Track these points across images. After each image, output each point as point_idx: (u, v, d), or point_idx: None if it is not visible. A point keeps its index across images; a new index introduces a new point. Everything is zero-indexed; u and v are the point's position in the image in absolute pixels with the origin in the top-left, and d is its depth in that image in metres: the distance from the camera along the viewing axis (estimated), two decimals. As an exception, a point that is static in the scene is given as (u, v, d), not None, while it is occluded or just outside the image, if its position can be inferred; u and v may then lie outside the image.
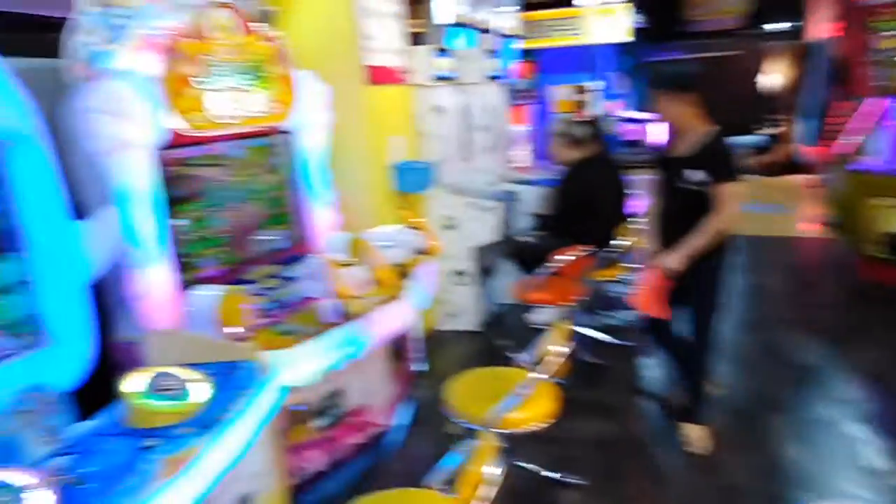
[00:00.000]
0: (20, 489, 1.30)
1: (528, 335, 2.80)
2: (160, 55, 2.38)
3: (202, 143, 2.60)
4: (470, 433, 2.00)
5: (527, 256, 4.10)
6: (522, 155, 6.45)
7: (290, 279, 2.72)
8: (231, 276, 2.62)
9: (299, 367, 2.18)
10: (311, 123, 3.06)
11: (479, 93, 5.28)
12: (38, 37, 2.41)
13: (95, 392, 1.78)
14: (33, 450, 1.58)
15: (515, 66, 6.32)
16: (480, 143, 5.29)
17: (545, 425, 2.32)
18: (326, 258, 2.66)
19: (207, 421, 1.67)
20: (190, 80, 2.51)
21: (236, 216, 2.79)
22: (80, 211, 2.21)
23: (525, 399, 2.18)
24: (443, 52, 4.67)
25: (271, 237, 2.94)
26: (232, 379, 1.88)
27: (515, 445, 2.41)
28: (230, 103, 2.66)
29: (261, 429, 1.82)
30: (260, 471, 1.90)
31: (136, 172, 2.28)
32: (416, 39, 4.66)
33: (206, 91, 2.56)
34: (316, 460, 2.40)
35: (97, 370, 1.93)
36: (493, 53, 5.61)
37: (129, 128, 2.24)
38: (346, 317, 2.45)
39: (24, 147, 1.79)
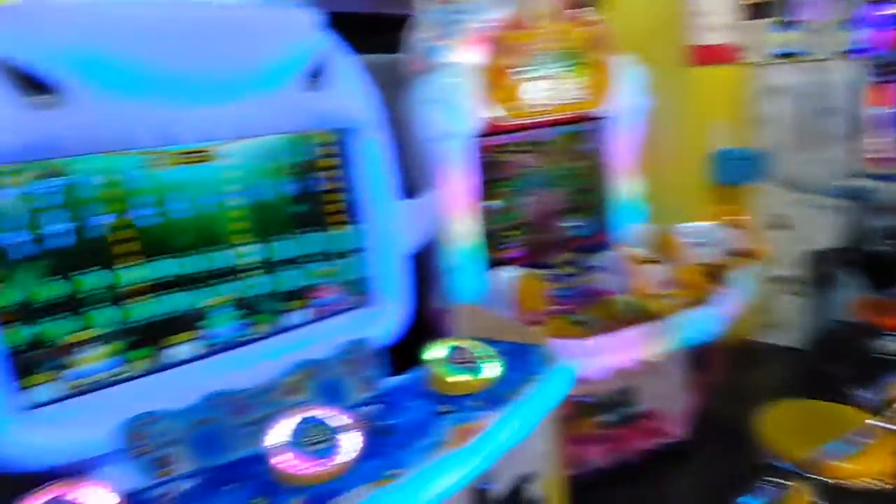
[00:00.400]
0: (335, 429, 1.52)
1: (872, 367, 2.35)
2: (485, 47, 2.53)
3: (516, 130, 2.71)
4: (780, 472, 1.74)
5: (880, 269, 3.42)
6: (881, 144, 5.38)
7: (588, 269, 2.69)
8: (532, 259, 2.69)
9: (588, 359, 2.15)
10: (627, 109, 2.97)
11: (827, 70, 4.53)
12: (386, 34, 2.75)
13: (408, 352, 1.98)
14: (351, 395, 1.84)
15: (879, 35, 5.27)
16: (826, 129, 4.55)
17: (885, 485, 1.87)
18: (628, 251, 2.57)
19: (496, 397, 1.74)
20: (509, 70, 2.63)
21: (543, 201, 2.85)
22: (410, 191, 2.49)
23: (863, 448, 1.83)
24: (786, 24, 4.12)
25: (575, 224, 2.95)
26: (522, 360, 1.94)
27: (839, 501, 2.00)
28: (545, 91, 2.71)
29: (544, 413, 1.84)
30: (540, 454, 1.93)
31: (453, 159, 2.48)
32: (757, 12, 4.17)
33: (523, 80, 2.66)
34: (597, 455, 2.36)
35: (411, 332, 2.15)
36: (848, 23, 4.76)
37: (453, 117, 2.44)
38: (644, 315, 2.34)
39: (365, 134, 2.06)
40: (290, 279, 1.95)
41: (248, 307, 1.87)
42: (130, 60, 1.50)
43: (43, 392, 1.53)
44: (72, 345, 1.56)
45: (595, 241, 2.95)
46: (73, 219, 1.54)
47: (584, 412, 2.27)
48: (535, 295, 2.36)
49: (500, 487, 1.79)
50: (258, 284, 1.88)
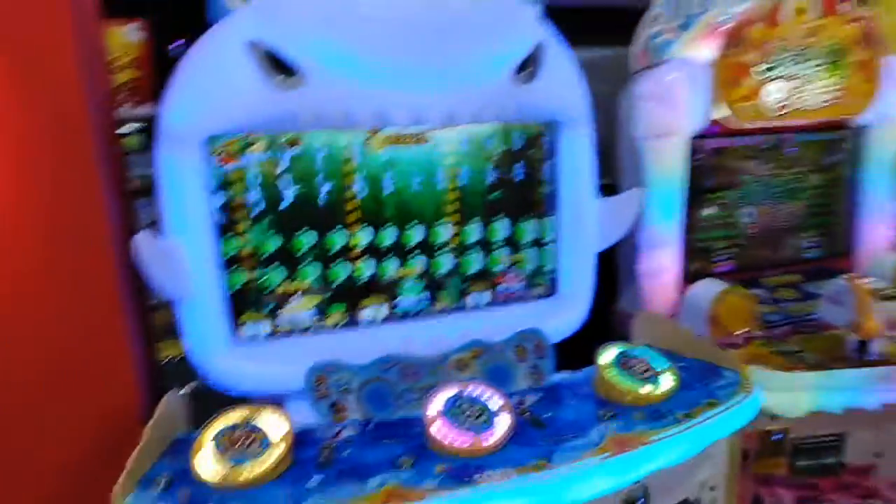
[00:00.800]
0: (491, 409, 1.55)
1: None
2: (722, 42, 2.35)
3: (747, 133, 2.48)
4: None
5: None
6: None
7: (810, 295, 2.38)
8: (743, 276, 2.46)
9: (789, 395, 1.91)
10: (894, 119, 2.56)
11: None
12: (613, 26, 2.68)
13: (582, 349, 1.94)
14: (516, 381, 1.85)
15: None
16: None
17: None
18: (861, 281, 2.21)
19: (663, 413, 1.64)
20: (750, 67, 2.41)
21: (766, 214, 2.58)
22: (612, 187, 2.43)
23: None
24: None
25: (805, 244, 2.62)
26: (703, 381, 1.79)
27: None
28: (791, 93, 2.44)
29: (717, 440, 1.69)
30: (710, 483, 1.78)
31: (668, 159, 2.35)
32: None
33: (765, 79, 2.43)
34: (786, 501, 2.09)
35: (588, 330, 2.11)
36: None
37: (671, 115, 2.31)
38: (870, 358, 2.01)
39: (572, 128, 2.04)
40: (478, 262, 2.02)
41: (436, 283, 1.98)
42: (361, 49, 1.65)
43: (252, 329, 1.79)
44: (282, 293, 1.80)
45: (825, 266, 2.59)
46: (300, 185, 1.76)
47: (778, 451, 2.03)
48: (738, 314, 2.16)
49: (658, 508, 1.69)
50: (449, 263, 1.98)
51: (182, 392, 1.72)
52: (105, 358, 1.57)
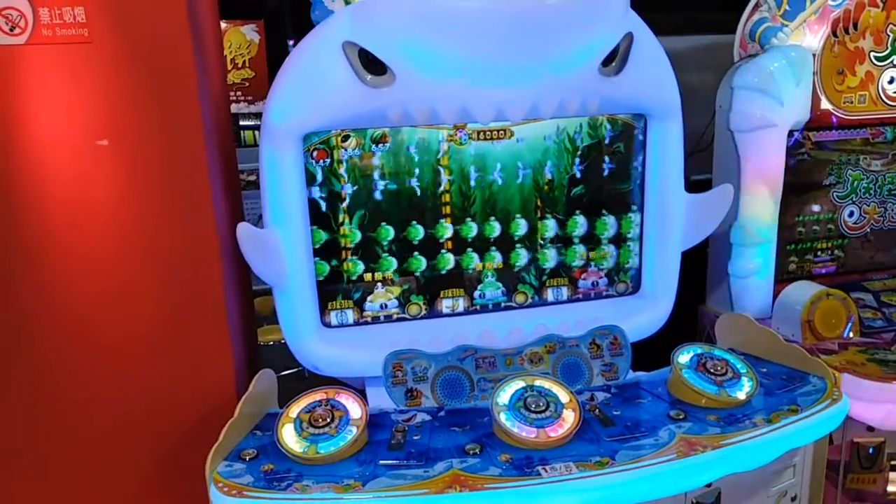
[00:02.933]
0: (558, 403, 1.59)
1: None
2: (831, 29, 2.22)
3: (857, 126, 2.33)
4: None
5: None
6: None
7: (921, 301, 2.21)
8: (845, 279, 2.32)
9: (882, 407, 1.80)
10: None
11: None
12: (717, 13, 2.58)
13: (663, 348, 1.92)
14: (588, 378, 1.87)
15: None
16: None
17: None
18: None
19: (739, 418, 1.60)
20: (863, 55, 2.26)
21: (875, 213, 2.41)
22: (704, 183, 2.35)
23: None
24: None
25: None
26: (786, 387, 1.73)
27: None
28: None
29: (797, 449, 1.63)
30: (787, 492, 1.72)
31: (767, 153, 2.25)
32: None
33: (881, 68, 2.27)
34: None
35: (670, 329, 2.07)
36: None
37: (770, 107, 2.21)
38: None
39: (662, 121, 2.00)
40: (560, 256, 2.04)
41: (514, 276, 2.02)
42: (447, 47, 1.70)
43: (338, 316, 1.91)
44: (367, 283, 1.91)
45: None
46: (388, 179, 1.86)
47: (872, 465, 1.92)
48: (834, 319, 2.05)
49: (733, 514, 1.66)
50: (531, 257, 2.02)
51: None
52: (206, 339, 1.74)
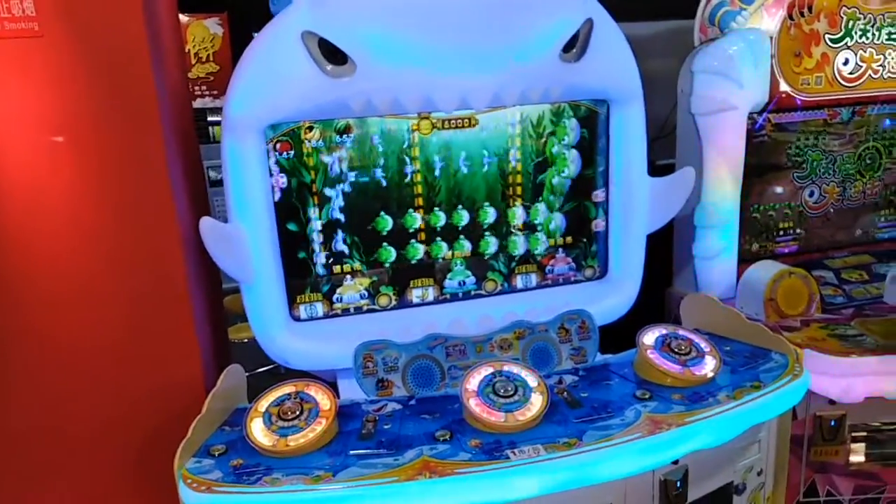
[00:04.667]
0: (526, 387, 1.60)
1: None
2: (788, 12, 2.25)
3: (814, 107, 2.37)
4: None
5: None
6: None
7: (880, 278, 2.27)
8: (807, 258, 2.37)
9: (843, 381, 1.85)
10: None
11: None
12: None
13: (630, 331, 1.95)
14: (557, 362, 1.89)
15: None
16: None
17: None
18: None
19: (703, 395, 1.64)
20: (819, 37, 2.30)
21: (837, 193, 2.47)
22: (665, 167, 2.38)
23: None
24: None
25: (878, 223, 2.49)
26: (749, 364, 1.77)
27: None
28: (862, 63, 2.32)
29: (762, 425, 1.67)
30: (753, 467, 1.76)
31: (728, 135, 2.29)
32: None
33: (836, 49, 2.31)
34: (841, 488, 2.03)
35: (636, 312, 2.10)
36: None
37: (729, 89, 2.24)
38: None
39: (624, 107, 2.02)
40: (525, 244, 2.06)
41: (483, 264, 2.03)
42: (407, 35, 1.70)
43: (307, 310, 1.90)
44: (336, 275, 1.91)
45: (901, 247, 2.46)
46: (353, 171, 1.84)
47: (835, 439, 1.96)
48: (796, 297, 2.09)
49: (702, 489, 1.69)
50: (497, 245, 2.02)
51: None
52: (172, 336, 1.72)
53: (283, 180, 1.80)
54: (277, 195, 1.79)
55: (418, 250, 1.96)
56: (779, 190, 2.42)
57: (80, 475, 1.72)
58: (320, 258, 1.88)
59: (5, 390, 1.64)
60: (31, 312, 1.63)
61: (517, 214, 2.02)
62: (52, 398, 1.67)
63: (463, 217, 1.97)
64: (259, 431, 1.50)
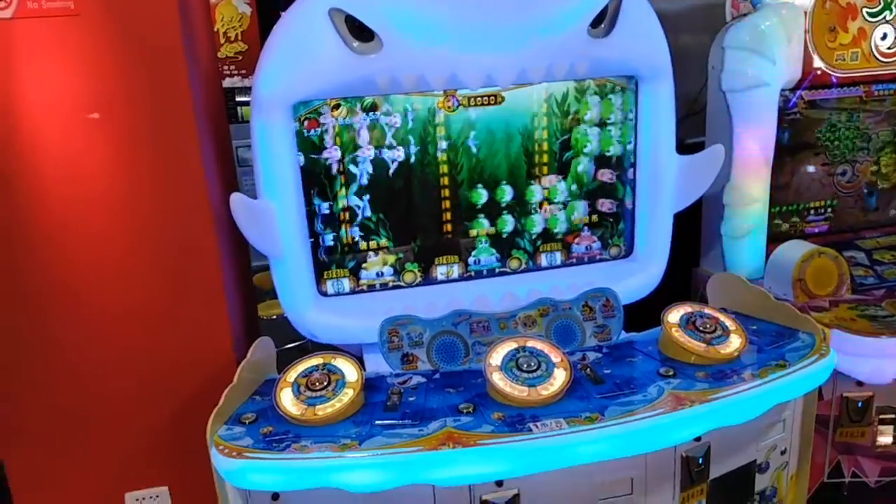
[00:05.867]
0: (549, 363, 1.62)
1: None
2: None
3: (849, 84, 2.32)
4: None
5: None
6: None
7: (914, 258, 2.23)
8: (838, 238, 2.33)
9: (871, 362, 1.83)
10: None
11: None
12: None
13: (656, 309, 1.95)
14: (581, 339, 1.89)
15: None
16: None
17: None
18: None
19: (727, 373, 1.63)
20: (858, 10, 2.25)
21: (871, 173, 2.42)
22: (695, 144, 2.35)
23: None
24: None
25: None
26: (776, 344, 1.75)
27: None
28: (898, 39, 2.26)
29: (786, 404, 1.66)
30: (778, 447, 1.75)
31: (758, 113, 2.25)
32: None
33: (874, 24, 2.26)
34: (868, 469, 2.01)
35: (663, 290, 2.09)
36: None
37: (762, 66, 2.20)
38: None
39: (652, 83, 2.00)
40: (550, 221, 2.06)
41: (509, 242, 2.04)
42: (433, 11, 1.71)
43: (335, 285, 1.94)
44: (363, 251, 1.93)
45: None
46: (380, 148, 1.86)
47: (862, 420, 1.95)
48: (825, 277, 2.07)
49: (724, 466, 1.70)
50: (521, 222, 2.03)
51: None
52: (203, 308, 1.77)
53: (310, 157, 1.82)
54: (304, 172, 1.82)
55: (444, 228, 1.98)
56: (811, 169, 2.38)
57: (113, 443, 1.79)
58: (347, 234, 1.91)
59: (41, 360, 1.71)
60: (67, 287, 1.68)
61: (541, 192, 2.02)
62: (85, 368, 1.74)
63: (482, 196, 1.97)
64: (288, 401, 1.54)
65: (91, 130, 1.61)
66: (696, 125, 2.55)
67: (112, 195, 1.66)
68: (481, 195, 1.98)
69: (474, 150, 1.93)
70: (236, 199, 1.70)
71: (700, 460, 1.61)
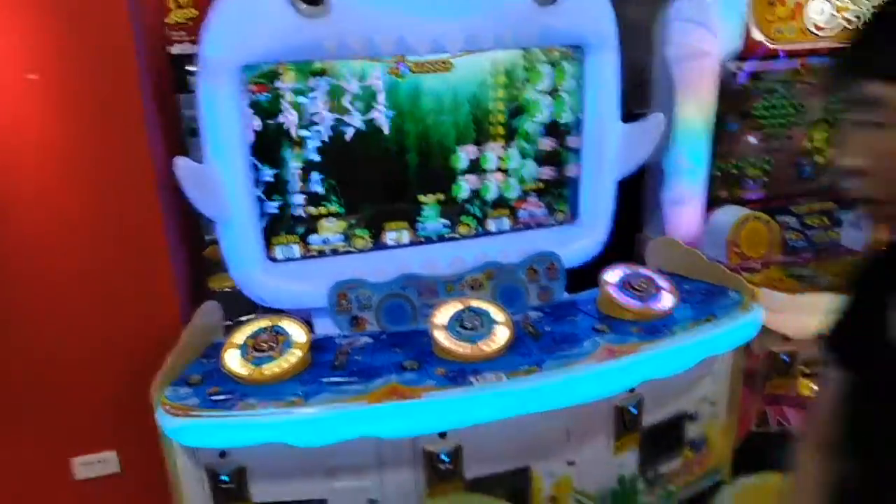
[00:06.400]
0: (491, 321, 1.68)
1: None
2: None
3: (786, 56, 2.40)
4: None
5: None
6: None
7: (840, 223, 2.34)
8: (772, 204, 2.43)
9: (796, 317, 1.94)
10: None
11: None
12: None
13: (591, 273, 2.02)
14: (524, 301, 1.96)
15: None
16: None
17: None
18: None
19: (659, 328, 1.72)
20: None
21: (804, 141, 2.52)
22: (637, 112, 2.41)
23: None
24: None
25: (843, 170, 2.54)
26: (705, 301, 1.85)
27: None
28: (835, 13, 2.34)
29: (716, 357, 1.76)
30: (710, 398, 1.86)
31: (699, 82, 2.32)
32: None
33: (806, -1, 2.34)
34: (791, 419, 2.14)
35: (606, 254, 2.17)
36: None
37: (703, 37, 2.27)
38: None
39: (598, 53, 2.04)
40: (498, 188, 2.10)
41: (457, 208, 2.08)
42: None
43: (283, 251, 1.95)
44: (311, 217, 1.95)
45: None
46: (328, 113, 1.86)
47: (787, 372, 2.07)
48: (758, 240, 2.17)
49: (656, 416, 1.79)
50: (470, 189, 2.07)
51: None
52: (149, 274, 1.78)
53: (258, 122, 1.83)
54: (252, 136, 1.82)
55: (393, 194, 2.00)
56: (749, 139, 2.46)
57: (58, 408, 1.80)
58: (296, 200, 1.92)
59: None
60: (7, 250, 1.67)
61: (488, 158, 2.06)
62: (29, 333, 1.74)
63: (435, 161, 2.00)
64: (235, 361, 1.57)
65: (30, 92, 1.59)
66: (644, 96, 2.61)
67: (53, 160, 1.65)
68: (433, 161, 2.00)
69: (423, 117, 1.96)
70: (181, 162, 1.70)
71: (633, 410, 1.70)
